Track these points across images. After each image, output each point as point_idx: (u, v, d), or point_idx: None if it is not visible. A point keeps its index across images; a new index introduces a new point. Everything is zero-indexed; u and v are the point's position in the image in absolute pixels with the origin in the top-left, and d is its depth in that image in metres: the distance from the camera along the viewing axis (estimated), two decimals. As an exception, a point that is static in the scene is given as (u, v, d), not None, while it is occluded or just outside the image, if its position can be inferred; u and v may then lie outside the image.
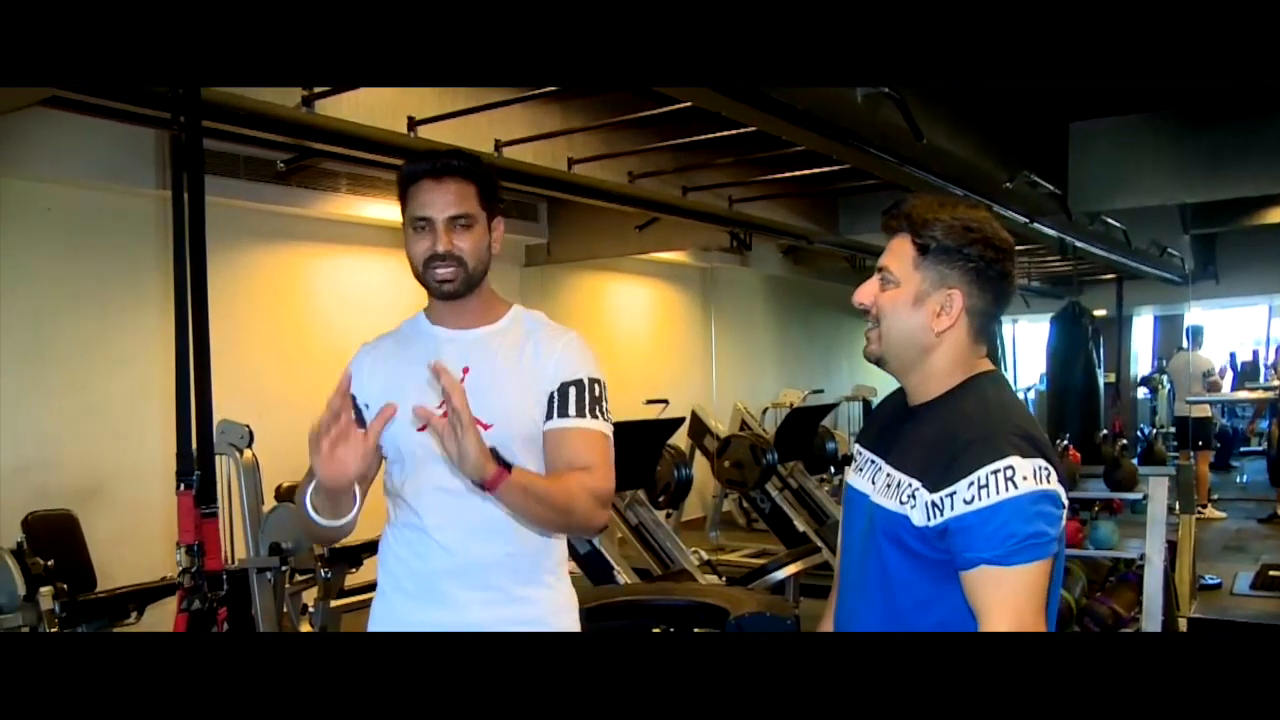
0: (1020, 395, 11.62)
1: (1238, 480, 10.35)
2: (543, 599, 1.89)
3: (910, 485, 1.56)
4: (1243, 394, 8.96)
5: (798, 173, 5.62)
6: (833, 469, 8.08)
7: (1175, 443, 9.58)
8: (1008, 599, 1.45)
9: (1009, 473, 1.46)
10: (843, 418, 10.62)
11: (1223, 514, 8.54)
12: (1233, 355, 11.27)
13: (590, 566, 5.31)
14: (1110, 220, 7.07)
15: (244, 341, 5.71)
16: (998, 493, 1.45)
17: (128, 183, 5.04)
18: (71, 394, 5.09)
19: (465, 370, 1.83)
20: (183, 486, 3.16)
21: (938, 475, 1.51)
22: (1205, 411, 8.84)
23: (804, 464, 7.35)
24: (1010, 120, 5.81)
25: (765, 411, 8.82)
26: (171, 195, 3.15)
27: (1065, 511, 1.52)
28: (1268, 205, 7.91)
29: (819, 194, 6.87)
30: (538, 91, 4.18)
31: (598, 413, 1.89)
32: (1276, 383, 6.06)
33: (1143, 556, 4.60)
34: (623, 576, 5.26)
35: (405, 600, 1.87)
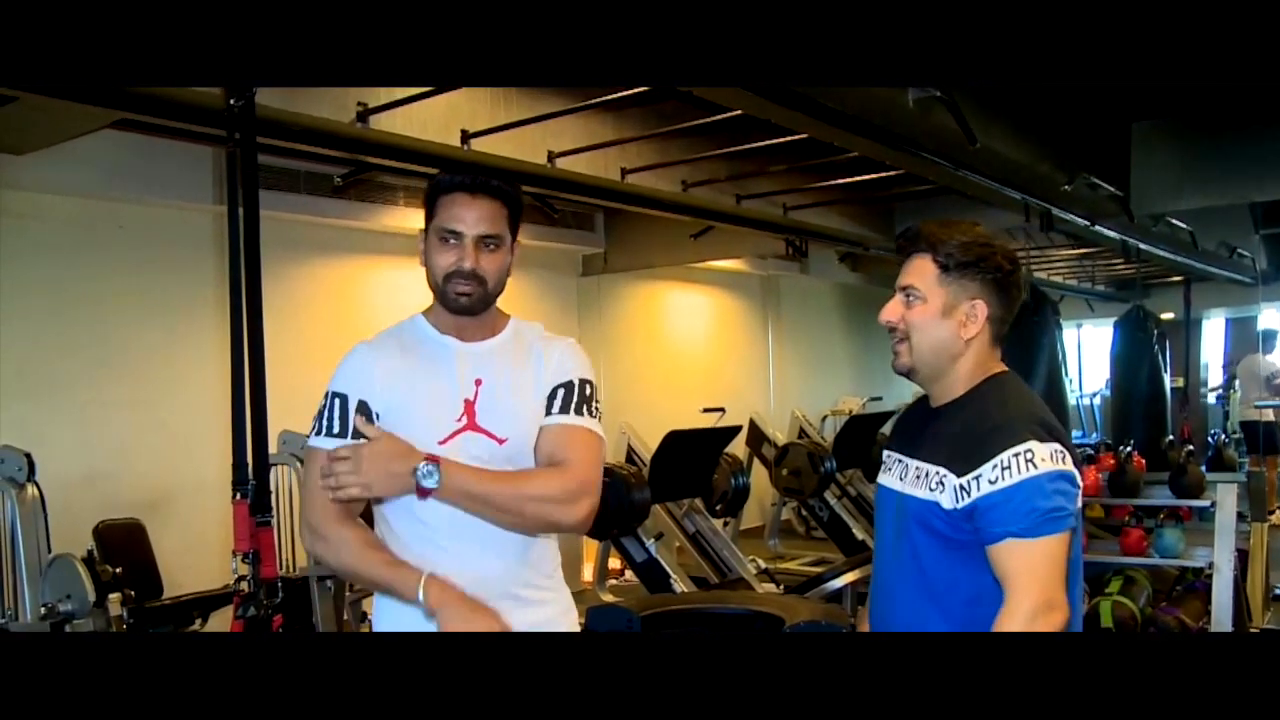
0: (1086, 401, 11.39)
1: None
2: (549, 602, 1.93)
3: (939, 473, 1.73)
4: (1316, 399, 8.70)
5: (851, 179, 5.58)
6: (892, 477, 7.97)
7: (1245, 448, 9.32)
8: (1035, 567, 1.62)
9: (1028, 455, 1.64)
10: (903, 425, 10.50)
11: None
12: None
13: (647, 574, 5.30)
14: (1176, 221, 6.91)
15: (304, 353, 5.77)
16: (1019, 472, 1.63)
17: (188, 199, 5.16)
18: (139, 407, 5.21)
19: (478, 382, 1.88)
20: (238, 496, 3.21)
21: (964, 461, 1.69)
22: (1268, 416, 8.60)
23: (863, 472, 7.27)
24: (1068, 121, 5.70)
25: (824, 419, 8.76)
26: (228, 210, 3.21)
27: (1080, 491, 1.70)
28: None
29: (874, 200, 6.80)
30: (590, 102, 4.20)
31: (584, 410, 1.93)
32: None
33: (1211, 565, 4.48)
34: (680, 585, 5.25)
35: (417, 615, 1.83)
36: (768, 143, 4.70)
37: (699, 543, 5.91)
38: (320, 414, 1.89)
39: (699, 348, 9.14)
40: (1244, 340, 11.49)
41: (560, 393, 1.92)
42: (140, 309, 5.25)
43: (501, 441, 1.85)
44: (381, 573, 1.82)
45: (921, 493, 1.76)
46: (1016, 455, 1.64)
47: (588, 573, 6.40)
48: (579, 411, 1.92)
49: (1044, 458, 1.64)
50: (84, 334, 5.02)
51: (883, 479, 1.93)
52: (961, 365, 1.80)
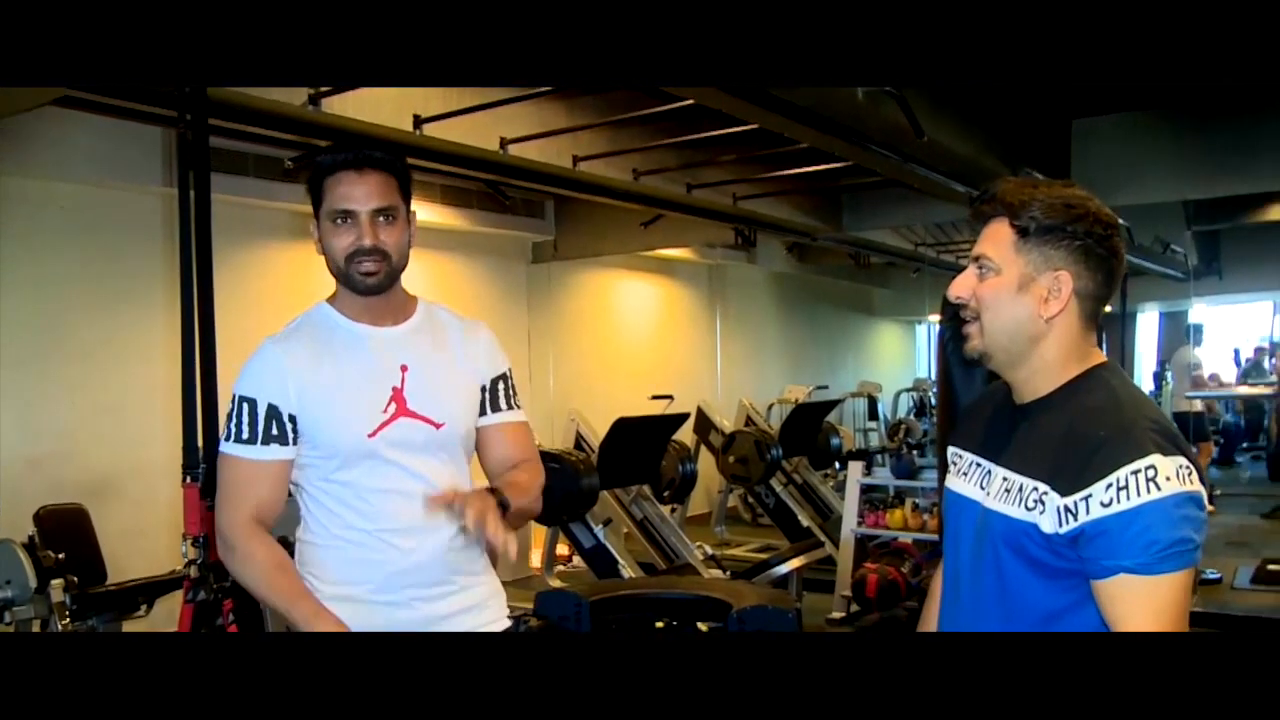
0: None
1: (1241, 476, 10.32)
2: (481, 585, 1.94)
3: (1036, 489, 1.42)
4: (1243, 389, 8.95)
5: (801, 170, 5.62)
6: (837, 464, 8.08)
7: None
8: (1150, 611, 1.33)
9: (1150, 473, 1.33)
10: (847, 414, 10.62)
11: (1211, 507, 8.52)
12: (1236, 351, 11.21)
13: (595, 560, 5.32)
14: (1113, 216, 7.05)
15: (253, 338, 5.69)
16: (1139, 495, 1.32)
17: (137, 181, 5.06)
18: (84, 391, 5.11)
19: (404, 368, 1.84)
20: (188, 479, 3.18)
21: (1070, 477, 1.38)
22: (1198, 406, 8.82)
23: (808, 459, 7.36)
24: (1012, 117, 5.80)
25: (770, 407, 8.83)
26: (178, 193, 3.16)
27: (1207, 514, 1.38)
28: (1271, 202, 7.87)
29: (822, 191, 6.86)
30: (542, 89, 4.19)
31: (517, 402, 2.00)
32: (1275, 379, 6.03)
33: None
34: (627, 570, 5.27)
35: (363, 607, 1.81)
36: (719, 133, 4.73)
37: (647, 529, 5.93)
38: (229, 418, 1.83)
39: (647, 335, 9.16)
40: (1176, 333, 11.77)
41: (500, 386, 1.96)
42: (87, 291, 5.15)
43: (439, 426, 1.84)
44: (286, 604, 1.77)
45: (1014, 511, 1.45)
46: (1136, 473, 1.32)
47: (536, 559, 6.40)
48: (517, 404, 2.00)
49: (1169, 475, 1.32)
50: (27, 316, 4.91)
51: (956, 484, 1.62)
52: (1046, 351, 1.48)
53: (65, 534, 4.15)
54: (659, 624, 3.68)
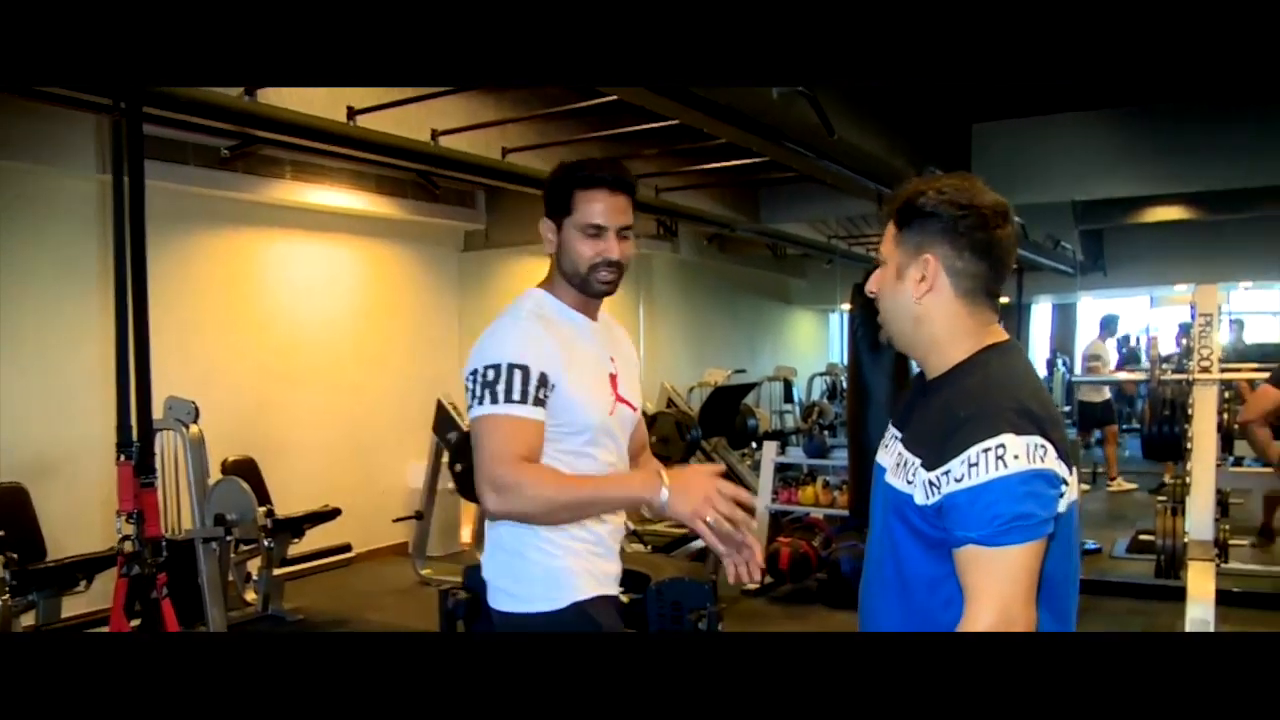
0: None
1: (1121, 455, 10.65)
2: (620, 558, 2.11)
3: (913, 464, 1.48)
4: (1121, 375, 9.20)
5: (720, 164, 5.66)
6: (754, 444, 8.15)
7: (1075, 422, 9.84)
8: (992, 581, 1.37)
9: (999, 451, 1.36)
10: (764, 396, 10.73)
11: (1133, 484, 8.75)
12: (1120, 341, 11.57)
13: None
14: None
15: (192, 322, 5.60)
16: (987, 471, 1.36)
17: (72, 167, 4.90)
18: (23, 373, 4.95)
19: (612, 359, 2.01)
20: (122, 457, 3.13)
21: (935, 453, 1.43)
22: (1104, 395, 9.02)
23: (726, 440, 7.42)
24: (917, 121, 5.90)
25: (691, 390, 8.87)
26: (112, 180, 3.08)
27: (1065, 489, 1.41)
28: (1149, 204, 8.19)
29: (741, 185, 6.92)
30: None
31: None
32: (1148, 366, 6.24)
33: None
34: (554, 544, 5.27)
35: (598, 558, 1.97)
36: (642, 127, 4.74)
37: (572, 505, 5.93)
38: (493, 384, 1.82)
39: (575, 322, 9.13)
40: (1066, 323, 12.11)
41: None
42: (23, 274, 4.98)
43: (635, 409, 2.04)
44: (609, 487, 1.87)
45: (899, 483, 1.51)
46: (987, 451, 1.36)
47: (466, 535, 6.38)
48: None
49: (1017, 454, 1.36)
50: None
51: (880, 454, 1.65)
52: (931, 331, 1.53)
53: (5, 512, 4.07)
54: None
